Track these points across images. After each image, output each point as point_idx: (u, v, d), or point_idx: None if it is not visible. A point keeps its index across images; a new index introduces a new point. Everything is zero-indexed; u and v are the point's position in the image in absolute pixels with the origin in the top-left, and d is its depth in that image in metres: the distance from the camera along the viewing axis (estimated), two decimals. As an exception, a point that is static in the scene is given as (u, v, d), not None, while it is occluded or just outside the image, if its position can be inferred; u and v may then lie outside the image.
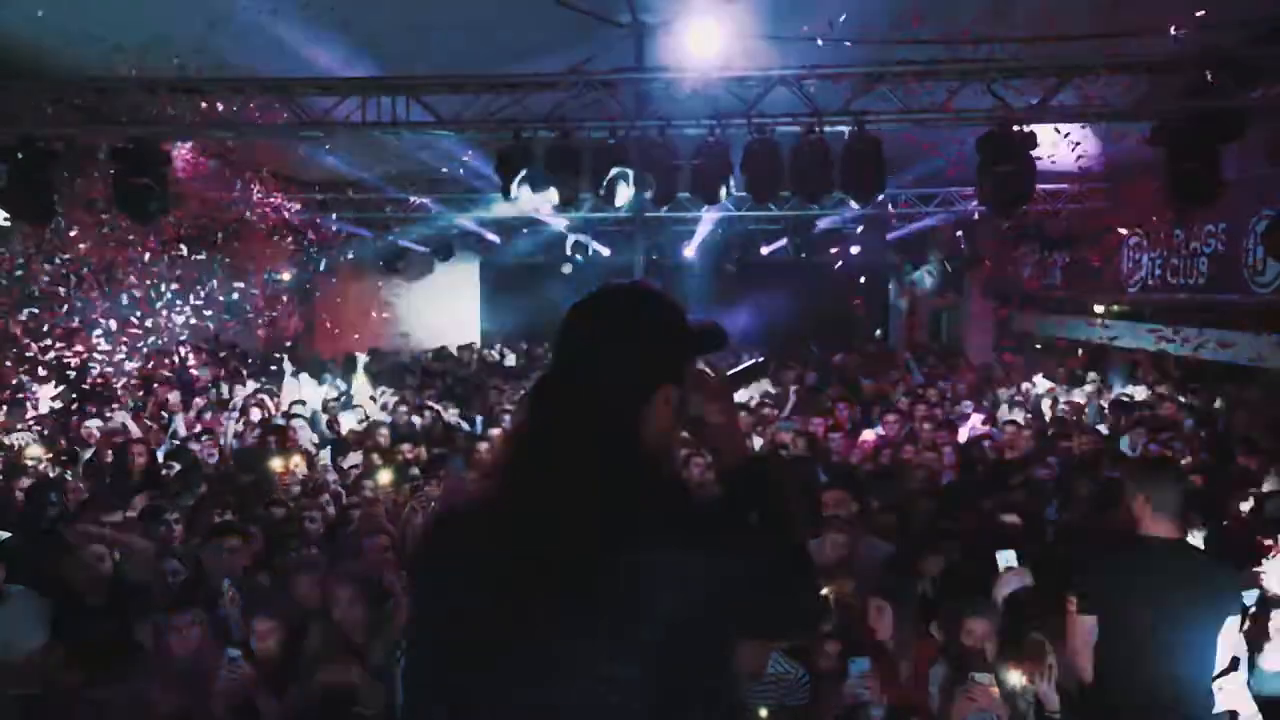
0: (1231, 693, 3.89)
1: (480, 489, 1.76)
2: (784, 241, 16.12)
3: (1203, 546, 4.77)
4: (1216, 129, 6.43)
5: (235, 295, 15.95)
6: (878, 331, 21.36)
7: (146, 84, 6.97)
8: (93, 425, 8.75)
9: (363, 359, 13.85)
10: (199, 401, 11.24)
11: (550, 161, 6.96)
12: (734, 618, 1.69)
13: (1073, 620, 3.78)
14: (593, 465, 1.63)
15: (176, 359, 13.28)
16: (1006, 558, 4.58)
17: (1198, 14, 6.05)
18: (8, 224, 8.49)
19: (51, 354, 10.35)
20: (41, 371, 10.22)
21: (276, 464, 7.70)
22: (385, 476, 7.55)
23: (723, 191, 7.09)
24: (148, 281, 11.53)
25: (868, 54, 6.72)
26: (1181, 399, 11.38)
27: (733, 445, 1.82)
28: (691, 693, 1.64)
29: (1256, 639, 4.37)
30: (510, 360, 17.24)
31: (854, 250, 16.11)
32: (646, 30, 7.12)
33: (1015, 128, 6.56)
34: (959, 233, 15.12)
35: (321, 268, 14.77)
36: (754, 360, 1.93)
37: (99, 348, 10.98)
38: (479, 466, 7.74)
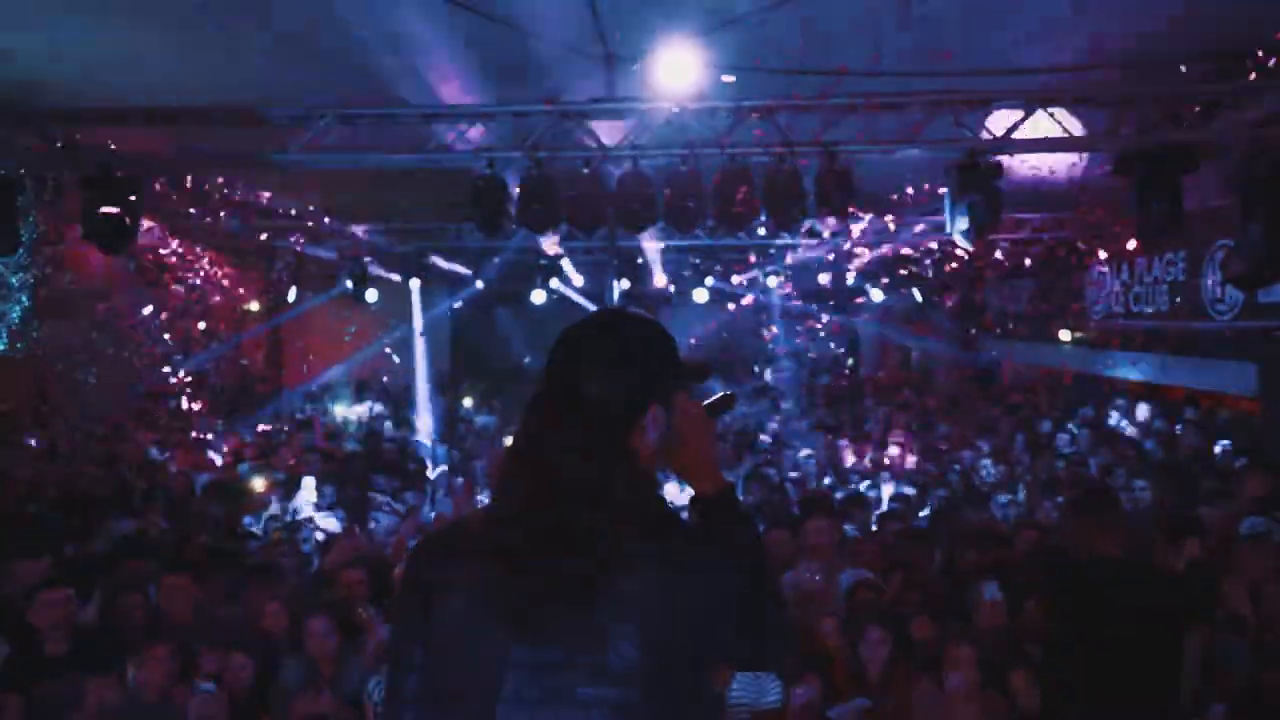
0: None
1: (477, 509, 1.77)
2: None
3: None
4: (1176, 160, 6.59)
5: (203, 325, 15.86)
6: (849, 361, 21.51)
7: (115, 113, 6.91)
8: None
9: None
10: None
11: (525, 191, 6.97)
12: (721, 639, 1.71)
13: (1031, 616, 3.87)
14: (596, 477, 1.67)
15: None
16: (990, 590, 4.62)
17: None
18: None
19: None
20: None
21: (259, 483, 7.67)
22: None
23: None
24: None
25: (837, 85, 6.81)
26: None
27: (708, 473, 1.86)
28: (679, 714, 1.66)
29: None
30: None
31: (822, 279, 16.27)
32: (617, 62, 7.18)
33: (982, 157, 6.67)
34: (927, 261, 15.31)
35: (290, 297, 14.62)
36: (725, 392, 1.99)
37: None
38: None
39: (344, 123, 6.94)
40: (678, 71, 6.90)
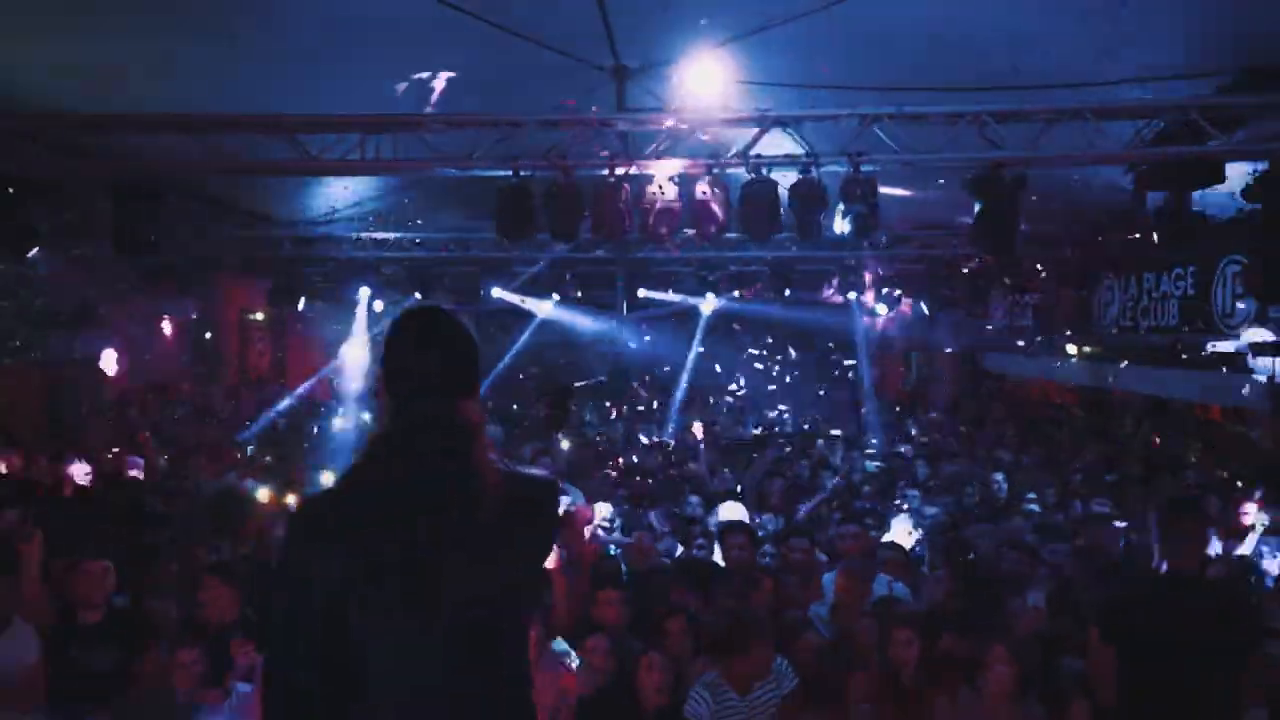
0: None
1: (353, 471, 1.99)
2: None
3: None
4: (1197, 173, 6.63)
5: (209, 335, 15.85)
6: (850, 373, 21.51)
7: (142, 120, 6.91)
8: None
9: None
10: None
11: (549, 200, 7.00)
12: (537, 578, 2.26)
13: (1094, 649, 3.82)
14: (472, 449, 2.00)
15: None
16: (1036, 598, 4.63)
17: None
18: None
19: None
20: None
21: (263, 494, 7.63)
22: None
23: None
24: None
25: (861, 98, 6.85)
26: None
27: None
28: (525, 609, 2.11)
29: None
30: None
31: (830, 290, 16.26)
32: (627, 73, 7.20)
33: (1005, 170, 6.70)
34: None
35: (299, 306, 14.58)
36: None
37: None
38: None
39: (368, 131, 6.97)
40: (702, 82, 6.94)
